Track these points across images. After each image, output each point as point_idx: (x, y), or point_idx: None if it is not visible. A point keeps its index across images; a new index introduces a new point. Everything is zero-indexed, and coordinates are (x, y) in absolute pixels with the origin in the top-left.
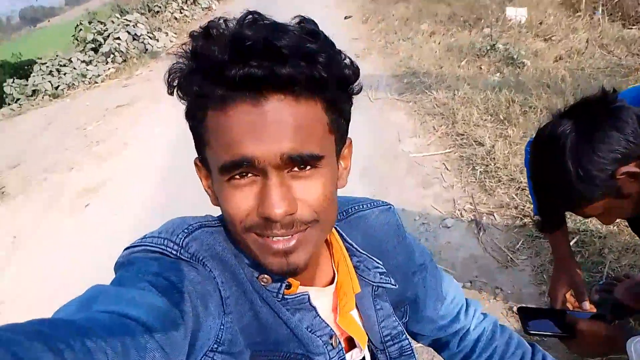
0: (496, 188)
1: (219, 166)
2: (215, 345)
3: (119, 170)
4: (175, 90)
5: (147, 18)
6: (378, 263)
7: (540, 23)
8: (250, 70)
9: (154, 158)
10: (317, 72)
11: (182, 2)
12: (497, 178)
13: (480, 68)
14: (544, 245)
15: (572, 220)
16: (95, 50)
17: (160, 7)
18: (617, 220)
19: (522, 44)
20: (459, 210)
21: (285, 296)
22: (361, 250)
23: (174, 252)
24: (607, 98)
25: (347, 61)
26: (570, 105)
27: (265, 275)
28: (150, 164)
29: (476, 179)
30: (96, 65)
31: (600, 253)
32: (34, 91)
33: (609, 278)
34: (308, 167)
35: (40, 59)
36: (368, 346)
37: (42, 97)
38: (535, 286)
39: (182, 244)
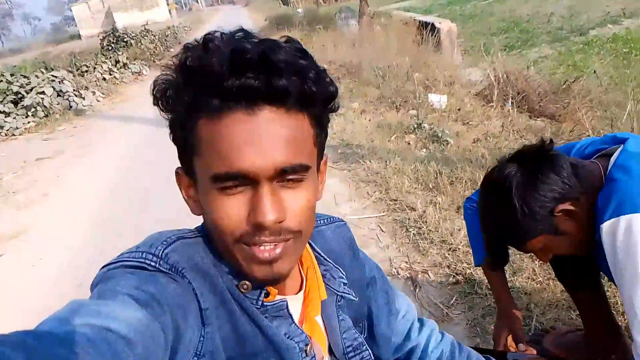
0: (429, 249)
1: (212, 175)
2: (195, 358)
3: (38, 221)
4: (159, 101)
5: (74, 76)
6: (342, 273)
7: (459, 109)
8: (248, 81)
9: (78, 210)
10: (307, 87)
11: (112, 65)
12: (430, 240)
13: (409, 143)
14: (475, 301)
15: None
16: (16, 103)
17: (88, 67)
18: (540, 278)
19: (445, 125)
20: (395, 268)
21: (265, 303)
22: (328, 259)
23: (153, 264)
24: (544, 146)
25: (329, 79)
26: (514, 152)
27: (246, 282)
28: (73, 216)
29: (410, 241)
30: (15, 118)
31: (527, 308)
32: None
33: (537, 330)
34: (296, 178)
35: None
36: (330, 357)
37: None
38: (470, 339)
39: (161, 255)
